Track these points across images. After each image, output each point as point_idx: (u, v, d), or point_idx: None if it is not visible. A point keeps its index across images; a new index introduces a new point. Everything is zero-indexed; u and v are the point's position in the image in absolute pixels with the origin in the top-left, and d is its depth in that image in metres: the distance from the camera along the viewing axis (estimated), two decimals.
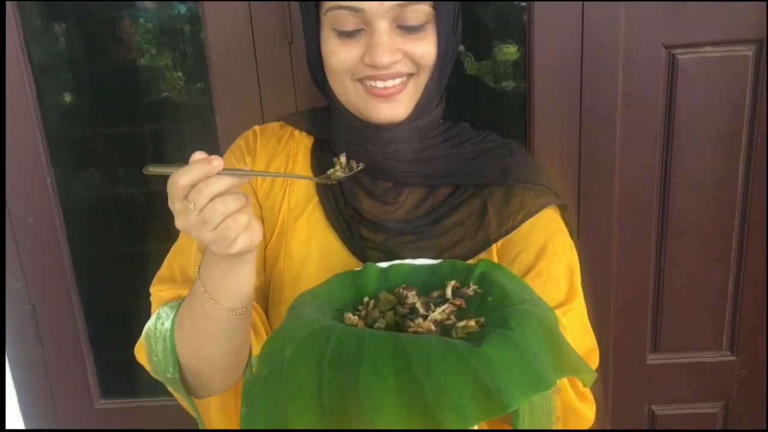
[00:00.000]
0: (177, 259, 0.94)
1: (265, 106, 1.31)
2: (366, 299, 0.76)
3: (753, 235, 1.35)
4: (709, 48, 1.25)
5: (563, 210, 0.94)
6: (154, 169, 0.72)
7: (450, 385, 0.55)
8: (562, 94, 1.28)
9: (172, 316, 0.86)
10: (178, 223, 0.71)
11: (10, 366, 1.50)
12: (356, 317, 0.73)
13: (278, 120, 1.01)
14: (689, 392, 1.46)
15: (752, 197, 1.33)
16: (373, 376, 0.56)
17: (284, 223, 0.92)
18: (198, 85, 1.39)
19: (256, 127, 0.99)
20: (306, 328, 0.64)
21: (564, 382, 0.81)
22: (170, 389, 0.93)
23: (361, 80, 0.86)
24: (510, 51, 1.34)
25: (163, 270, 0.95)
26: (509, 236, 0.89)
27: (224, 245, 0.70)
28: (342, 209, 0.90)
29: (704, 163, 1.31)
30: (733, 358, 1.44)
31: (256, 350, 0.88)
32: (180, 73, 1.38)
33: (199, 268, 0.80)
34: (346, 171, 0.81)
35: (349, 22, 0.82)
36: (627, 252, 1.37)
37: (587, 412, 0.85)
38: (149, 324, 0.90)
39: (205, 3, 1.26)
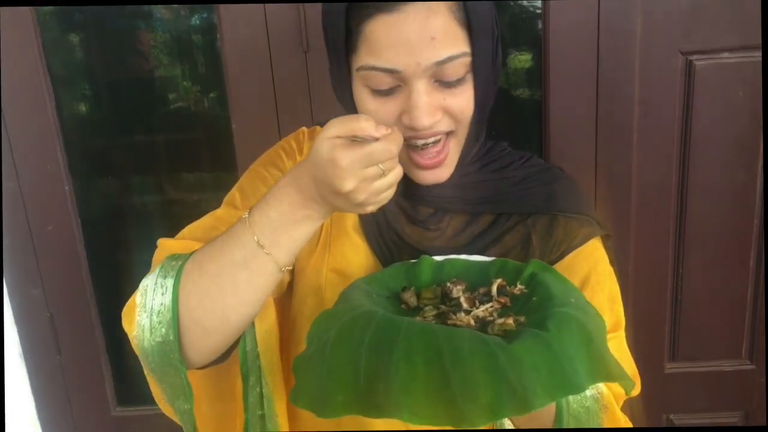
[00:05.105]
0: (191, 233, 0.89)
1: (281, 114, 1.31)
2: (412, 288, 0.78)
3: None
4: (726, 54, 1.25)
5: (606, 239, 0.91)
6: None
7: (477, 380, 0.57)
8: (579, 101, 1.28)
9: (179, 264, 0.79)
10: (350, 184, 0.69)
11: (28, 373, 1.52)
12: (414, 294, 0.76)
13: (322, 125, 0.98)
14: (708, 401, 1.45)
15: None
16: (404, 363, 0.58)
17: (327, 237, 0.90)
18: (213, 94, 1.40)
19: (304, 129, 0.96)
20: (350, 312, 0.67)
21: (611, 399, 0.79)
22: (144, 368, 0.80)
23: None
24: (524, 58, 1.34)
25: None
26: None
27: (373, 204, 0.72)
28: (384, 233, 0.88)
29: (722, 169, 1.31)
30: (753, 366, 1.42)
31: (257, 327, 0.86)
32: (196, 83, 1.39)
33: (250, 214, 0.75)
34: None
35: (384, 82, 0.76)
36: (644, 259, 1.36)
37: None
38: (147, 281, 0.81)
39: (222, 12, 1.27)
